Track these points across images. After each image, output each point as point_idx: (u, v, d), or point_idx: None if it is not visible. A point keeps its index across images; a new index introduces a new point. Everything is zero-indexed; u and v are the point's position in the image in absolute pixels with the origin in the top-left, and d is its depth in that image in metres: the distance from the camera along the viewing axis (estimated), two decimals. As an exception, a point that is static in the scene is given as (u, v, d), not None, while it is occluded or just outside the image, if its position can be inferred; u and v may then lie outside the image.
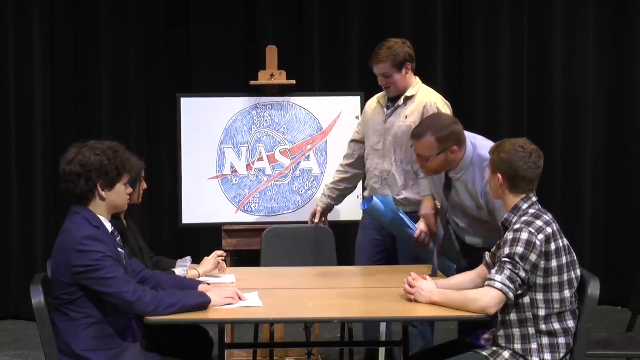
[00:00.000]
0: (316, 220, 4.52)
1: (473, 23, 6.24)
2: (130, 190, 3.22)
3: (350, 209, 4.83)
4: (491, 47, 6.25)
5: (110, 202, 3.11)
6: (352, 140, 4.55)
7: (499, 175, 3.14)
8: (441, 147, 3.56)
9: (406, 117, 4.26)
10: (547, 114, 6.31)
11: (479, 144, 3.66)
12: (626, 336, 3.94)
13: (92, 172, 3.05)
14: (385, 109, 4.33)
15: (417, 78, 4.36)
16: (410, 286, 3.21)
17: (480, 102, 6.27)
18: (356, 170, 4.53)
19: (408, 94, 4.29)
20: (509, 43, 6.24)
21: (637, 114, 6.28)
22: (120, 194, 3.14)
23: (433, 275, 3.77)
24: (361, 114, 4.76)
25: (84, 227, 3.02)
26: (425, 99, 4.28)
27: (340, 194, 4.56)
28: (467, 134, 3.71)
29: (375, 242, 4.38)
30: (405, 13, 6.19)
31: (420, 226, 4.06)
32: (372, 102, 4.46)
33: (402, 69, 4.25)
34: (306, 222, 4.61)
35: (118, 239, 3.19)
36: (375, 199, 4.01)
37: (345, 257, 4.89)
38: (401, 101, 4.29)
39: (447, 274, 3.81)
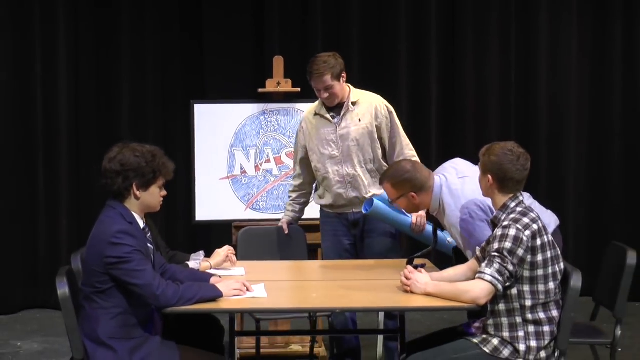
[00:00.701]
0: (286, 232, 4.44)
1: (464, 31, 6.25)
2: (164, 193, 3.21)
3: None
4: (481, 53, 6.26)
5: (143, 202, 3.11)
6: (302, 159, 4.38)
7: (489, 176, 3.14)
8: (399, 193, 3.54)
9: (360, 120, 4.21)
10: (532, 117, 6.31)
11: (448, 186, 3.52)
12: (590, 325, 3.94)
13: (129, 172, 3.05)
14: (332, 119, 4.24)
15: (348, 84, 4.30)
16: (407, 278, 3.22)
17: (471, 106, 6.28)
18: (309, 187, 4.45)
19: (353, 99, 4.25)
20: (498, 49, 6.26)
21: (617, 116, 6.29)
22: (154, 196, 3.14)
23: (434, 247, 3.85)
24: None
25: (119, 221, 3.03)
26: (372, 101, 4.26)
27: (301, 207, 4.50)
28: (448, 171, 3.60)
29: (347, 247, 4.30)
30: (402, 23, 6.21)
31: None
32: (309, 118, 4.32)
33: (339, 79, 4.20)
34: (314, 219, 4.57)
35: (148, 235, 3.20)
36: (375, 200, 4.01)
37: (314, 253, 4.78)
38: (350, 107, 4.22)
39: (445, 248, 3.90)
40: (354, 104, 4.24)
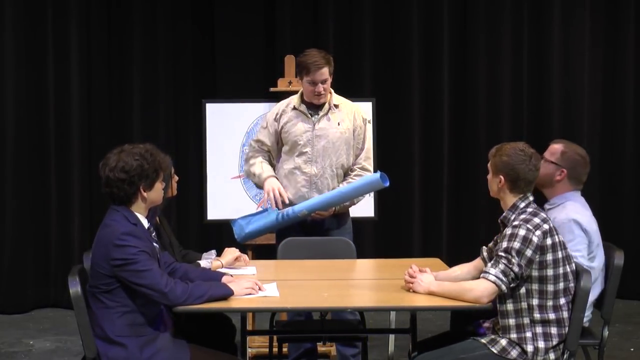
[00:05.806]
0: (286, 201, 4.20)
1: (476, 31, 6.26)
2: (163, 184, 3.25)
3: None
4: (493, 53, 6.27)
5: (150, 201, 3.16)
6: (259, 141, 4.29)
7: (501, 176, 3.15)
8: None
9: (339, 124, 4.20)
10: (545, 117, 6.30)
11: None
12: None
13: (134, 177, 3.08)
14: (310, 116, 4.21)
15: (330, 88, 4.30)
16: (411, 277, 3.24)
17: (482, 106, 6.28)
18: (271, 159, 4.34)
19: (335, 102, 4.24)
20: (510, 49, 6.25)
21: (630, 117, 6.28)
22: (158, 191, 3.19)
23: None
24: (371, 117, 4.79)
25: (123, 223, 3.06)
26: (353, 108, 4.26)
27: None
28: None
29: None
30: (414, 22, 6.23)
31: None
32: (287, 110, 4.24)
33: (331, 76, 4.19)
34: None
35: (153, 234, 3.24)
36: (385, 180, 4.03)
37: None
38: (333, 108, 4.22)
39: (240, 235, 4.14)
40: (336, 106, 4.24)
